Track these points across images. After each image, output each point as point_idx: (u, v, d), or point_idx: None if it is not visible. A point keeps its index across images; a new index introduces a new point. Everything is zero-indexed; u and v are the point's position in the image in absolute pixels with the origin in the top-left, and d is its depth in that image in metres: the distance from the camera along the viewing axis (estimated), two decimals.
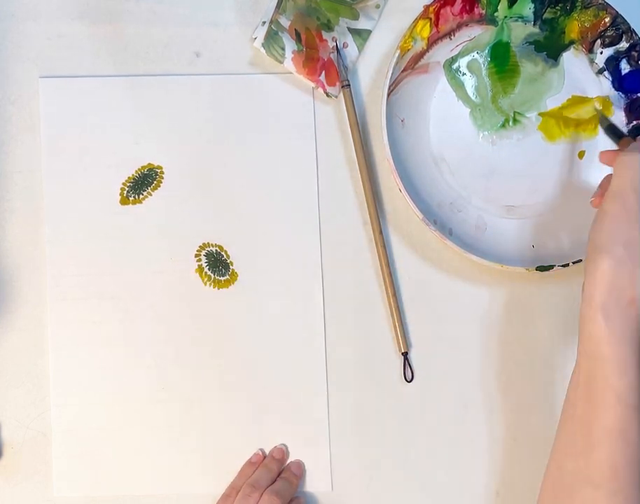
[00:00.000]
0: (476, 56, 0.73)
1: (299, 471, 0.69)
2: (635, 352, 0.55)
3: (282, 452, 0.69)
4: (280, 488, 0.66)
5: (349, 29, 0.73)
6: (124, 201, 0.71)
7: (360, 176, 0.71)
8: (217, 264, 0.71)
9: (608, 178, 0.62)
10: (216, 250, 0.71)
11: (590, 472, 0.56)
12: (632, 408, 0.55)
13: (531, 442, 0.71)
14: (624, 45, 0.71)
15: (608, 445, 0.55)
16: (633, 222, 0.56)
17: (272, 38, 0.71)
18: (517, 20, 0.72)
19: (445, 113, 0.73)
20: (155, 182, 0.71)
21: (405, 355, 0.71)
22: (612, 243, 0.56)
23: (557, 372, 0.72)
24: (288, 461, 0.70)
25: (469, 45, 0.73)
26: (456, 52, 0.73)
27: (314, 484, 0.70)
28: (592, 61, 0.73)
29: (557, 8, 0.71)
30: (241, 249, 0.71)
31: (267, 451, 0.70)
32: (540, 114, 0.73)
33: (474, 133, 0.73)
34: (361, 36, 0.73)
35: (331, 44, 0.72)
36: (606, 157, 0.65)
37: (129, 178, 0.71)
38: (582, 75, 0.73)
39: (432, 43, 0.72)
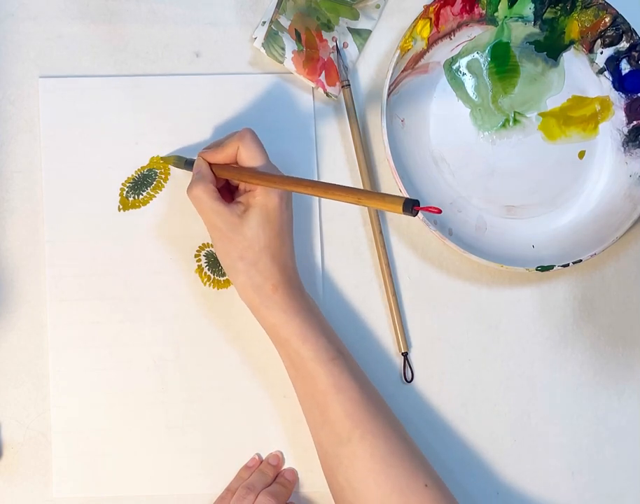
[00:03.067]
0: (476, 56, 0.73)
1: (293, 477, 0.69)
2: (305, 319, 0.64)
3: (278, 458, 0.69)
4: (275, 490, 0.66)
5: (349, 29, 0.73)
6: (124, 201, 0.71)
7: (360, 176, 0.71)
8: (217, 265, 0.71)
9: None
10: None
11: (337, 432, 0.63)
12: (329, 362, 0.63)
13: (531, 442, 0.71)
14: (624, 45, 0.71)
15: (332, 402, 0.63)
16: (230, 238, 0.63)
17: (272, 38, 0.71)
18: (517, 20, 0.72)
19: (445, 113, 0.73)
20: (155, 182, 0.71)
21: (405, 355, 0.71)
22: (232, 262, 0.64)
23: (556, 372, 0.72)
24: (284, 467, 0.70)
25: (469, 45, 0.73)
26: (457, 52, 0.73)
27: (313, 484, 0.70)
28: (592, 61, 0.72)
29: (557, 8, 0.71)
30: None
31: (263, 455, 0.70)
32: (540, 114, 0.73)
33: (474, 133, 0.73)
34: (361, 36, 0.73)
35: (331, 44, 0.72)
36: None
37: (128, 178, 0.71)
38: (582, 75, 0.73)
39: (432, 43, 0.72)
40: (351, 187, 0.55)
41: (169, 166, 0.70)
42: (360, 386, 0.64)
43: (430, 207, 0.50)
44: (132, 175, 0.71)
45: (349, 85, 0.72)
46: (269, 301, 0.64)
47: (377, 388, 0.70)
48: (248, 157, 0.63)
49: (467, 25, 0.72)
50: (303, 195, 0.71)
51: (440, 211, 0.50)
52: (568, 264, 0.68)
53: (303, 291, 0.66)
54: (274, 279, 0.64)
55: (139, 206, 0.71)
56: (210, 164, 0.65)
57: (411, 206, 0.51)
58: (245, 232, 0.63)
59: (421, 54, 0.72)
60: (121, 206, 0.71)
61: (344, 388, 0.63)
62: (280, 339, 0.64)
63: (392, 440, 0.63)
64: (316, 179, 0.72)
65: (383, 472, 0.61)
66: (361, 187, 0.71)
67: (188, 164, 0.68)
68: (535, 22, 0.72)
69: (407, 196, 0.51)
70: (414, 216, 0.52)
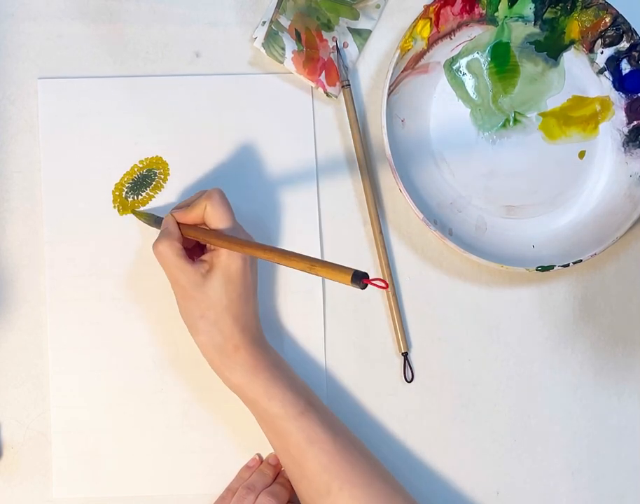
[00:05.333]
0: (476, 56, 0.73)
1: None
2: (272, 375, 0.64)
3: (278, 458, 0.69)
4: (276, 490, 0.66)
5: (349, 28, 0.73)
6: (124, 202, 0.71)
7: (361, 176, 0.71)
8: None
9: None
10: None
11: (315, 487, 0.63)
12: (296, 416, 0.63)
13: (531, 442, 0.71)
14: (624, 45, 0.71)
15: (307, 456, 0.63)
16: (192, 297, 0.63)
17: (272, 38, 0.71)
18: (517, 20, 0.72)
19: (445, 113, 0.73)
20: (154, 183, 0.71)
21: (405, 355, 0.71)
22: (194, 321, 0.64)
23: (556, 372, 0.72)
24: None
25: (469, 45, 0.73)
26: (457, 52, 0.73)
27: None
28: (592, 61, 0.72)
29: (557, 7, 0.71)
30: None
31: (263, 455, 0.70)
32: (540, 114, 0.73)
33: (474, 133, 0.73)
34: (361, 35, 0.73)
35: (331, 44, 0.72)
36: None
37: (128, 178, 0.71)
38: (582, 75, 0.73)
39: (432, 43, 0.72)
40: (305, 256, 0.55)
41: (140, 220, 0.70)
42: (333, 436, 0.63)
43: (378, 279, 0.51)
44: (131, 175, 0.71)
45: (349, 85, 0.72)
46: (231, 361, 0.63)
47: (377, 388, 0.70)
48: (215, 217, 0.63)
49: (467, 25, 0.72)
50: (303, 194, 0.71)
51: (386, 287, 0.51)
52: (568, 264, 0.68)
53: (267, 347, 0.66)
54: (236, 339, 0.63)
55: (139, 207, 0.71)
56: (179, 223, 0.65)
57: (360, 278, 0.51)
58: (208, 291, 0.63)
59: (422, 54, 0.72)
60: (120, 207, 0.71)
61: (316, 441, 0.63)
62: (246, 399, 0.65)
63: (372, 487, 0.63)
64: (315, 179, 0.72)
65: None
66: (361, 187, 0.71)
67: (157, 222, 0.68)
68: (535, 22, 0.72)
69: (356, 268, 0.52)
70: (363, 289, 0.51)
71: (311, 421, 0.63)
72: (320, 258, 0.57)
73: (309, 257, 0.55)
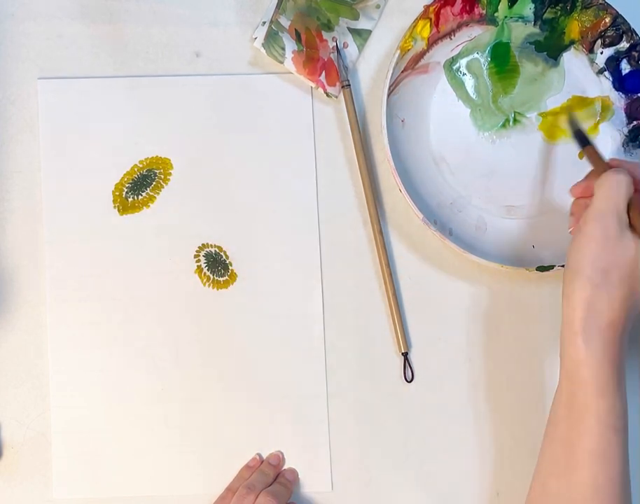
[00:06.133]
0: (476, 56, 0.73)
1: (293, 477, 0.69)
2: (614, 374, 0.57)
3: (278, 458, 0.69)
4: (276, 490, 0.66)
5: (349, 29, 0.73)
6: (124, 202, 0.71)
7: (360, 176, 0.71)
8: (216, 265, 0.71)
9: (577, 204, 0.63)
10: (215, 251, 0.71)
11: (572, 493, 0.57)
12: (612, 429, 0.56)
13: (531, 442, 0.71)
14: (624, 45, 0.71)
15: (589, 467, 0.56)
16: (612, 247, 0.57)
17: (272, 38, 0.71)
18: (517, 20, 0.72)
19: (445, 113, 0.73)
20: (154, 183, 0.71)
21: (405, 355, 0.71)
22: (590, 268, 0.57)
23: (556, 372, 0.72)
24: (284, 467, 0.70)
25: (469, 45, 0.72)
26: (457, 52, 0.73)
27: (313, 484, 0.70)
28: (592, 62, 0.72)
29: (557, 8, 0.71)
30: (241, 250, 0.71)
31: (263, 455, 0.70)
32: (540, 114, 0.73)
33: (474, 133, 0.73)
34: (361, 36, 0.73)
35: (331, 44, 0.72)
36: (578, 190, 0.64)
37: (128, 178, 0.71)
38: (582, 76, 0.73)
39: (432, 43, 0.72)
40: None
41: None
42: (621, 481, 0.57)
43: None
44: (132, 175, 0.71)
45: (349, 85, 0.72)
46: (593, 334, 0.57)
47: (377, 388, 0.70)
48: None
49: (467, 25, 0.72)
50: (303, 194, 0.71)
51: None
52: None
53: (624, 350, 0.59)
54: (614, 317, 0.57)
55: (139, 207, 0.71)
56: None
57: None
58: (625, 252, 0.57)
59: (421, 55, 0.72)
60: (120, 207, 0.71)
61: (609, 462, 0.57)
62: (573, 376, 0.58)
63: None
64: (314, 179, 0.72)
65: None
66: (361, 187, 0.71)
67: (579, 137, 0.65)
68: (535, 22, 0.72)
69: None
70: None
71: (616, 442, 0.57)
72: None
73: None
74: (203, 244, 0.71)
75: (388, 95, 0.69)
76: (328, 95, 0.72)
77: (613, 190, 0.58)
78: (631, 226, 0.58)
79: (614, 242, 0.57)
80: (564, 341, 0.58)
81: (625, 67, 0.72)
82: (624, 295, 0.57)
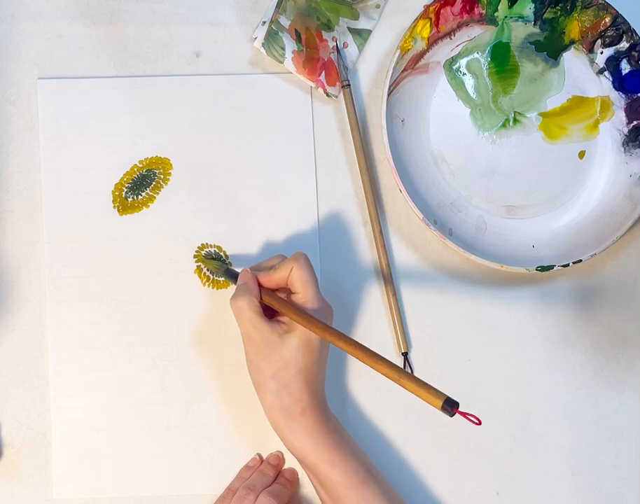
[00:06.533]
0: (476, 56, 0.73)
1: (293, 478, 0.69)
2: (331, 445, 0.63)
3: (278, 458, 0.69)
4: (276, 490, 0.66)
5: (349, 28, 0.73)
6: (123, 202, 0.71)
7: (360, 176, 0.71)
8: None
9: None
10: (215, 250, 0.71)
11: None
12: (357, 485, 0.62)
13: (531, 442, 0.71)
14: (624, 45, 0.71)
15: None
16: (266, 356, 0.62)
17: (272, 38, 0.71)
18: (517, 20, 0.72)
19: (445, 113, 0.73)
20: (153, 183, 0.71)
21: (405, 355, 0.71)
22: (264, 380, 0.63)
23: (557, 372, 0.72)
24: (284, 467, 0.70)
25: (469, 45, 0.73)
26: (457, 52, 0.73)
27: None
28: (592, 61, 0.72)
29: (557, 7, 0.71)
30: (240, 249, 0.71)
31: (263, 455, 0.70)
32: (540, 114, 0.73)
33: (474, 133, 0.73)
34: (361, 35, 0.73)
35: (331, 44, 0.72)
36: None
37: (128, 179, 0.71)
38: (582, 75, 0.73)
39: (432, 43, 0.72)
40: (393, 364, 0.56)
41: (205, 266, 0.70)
42: None
43: (472, 415, 0.51)
44: (131, 175, 0.71)
45: (349, 85, 0.72)
46: (296, 424, 0.63)
47: (377, 388, 0.70)
48: (301, 280, 0.63)
49: (467, 25, 0.72)
50: (303, 194, 0.71)
51: (479, 423, 0.51)
52: (568, 264, 0.68)
53: (329, 413, 0.66)
54: (304, 403, 0.63)
55: (138, 207, 0.71)
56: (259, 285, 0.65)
57: (451, 407, 0.52)
58: (283, 352, 0.62)
59: (421, 54, 0.72)
60: (120, 207, 0.71)
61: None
62: (306, 463, 0.64)
63: None
64: (314, 179, 0.72)
65: None
66: (361, 187, 0.71)
67: (228, 273, 0.67)
68: (535, 22, 0.72)
69: (448, 395, 0.53)
70: (451, 417, 0.52)
71: (372, 490, 0.63)
72: (409, 372, 0.57)
73: (398, 368, 0.55)
74: (203, 244, 0.71)
75: (388, 95, 0.69)
76: (328, 95, 0.72)
77: (239, 312, 0.63)
78: (277, 319, 0.64)
79: (266, 352, 0.62)
80: (283, 442, 0.64)
81: (625, 67, 0.72)
82: (300, 383, 0.62)
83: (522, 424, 0.71)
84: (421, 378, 0.54)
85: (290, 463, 0.70)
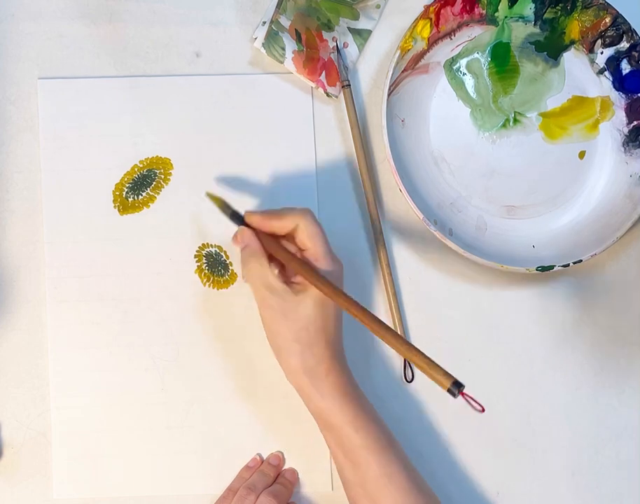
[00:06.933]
0: (476, 56, 0.73)
1: (293, 478, 0.69)
2: (356, 407, 0.62)
3: (278, 458, 0.69)
4: (276, 490, 0.66)
5: (349, 28, 0.73)
6: (124, 202, 0.71)
7: (360, 176, 0.71)
8: (216, 265, 0.71)
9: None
10: (216, 250, 0.71)
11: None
12: (379, 450, 0.61)
13: (531, 442, 0.71)
14: (624, 45, 0.71)
15: (383, 492, 0.61)
16: (285, 319, 0.61)
17: (272, 38, 0.71)
18: (517, 20, 0.72)
19: (446, 113, 0.73)
20: (154, 183, 0.71)
21: None
22: (286, 343, 0.61)
23: (557, 372, 0.72)
24: (284, 467, 0.70)
25: (469, 45, 0.73)
26: (457, 52, 0.73)
27: (314, 484, 0.70)
28: (592, 61, 0.72)
29: (557, 8, 0.71)
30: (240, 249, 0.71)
31: (264, 456, 0.70)
32: (540, 114, 0.73)
33: (474, 133, 0.73)
34: (362, 35, 0.73)
35: (331, 44, 0.72)
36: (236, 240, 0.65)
37: (128, 179, 0.71)
38: (582, 76, 0.73)
39: (432, 43, 0.72)
40: (403, 338, 0.55)
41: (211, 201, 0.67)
42: (409, 475, 0.62)
43: (474, 400, 0.51)
44: (132, 175, 0.71)
45: (349, 85, 0.72)
46: (322, 385, 0.61)
47: (377, 388, 0.70)
48: (310, 234, 0.61)
49: (467, 25, 0.72)
50: (303, 194, 0.71)
51: (483, 410, 0.51)
52: (568, 264, 0.68)
53: (352, 376, 0.64)
54: (327, 363, 0.62)
55: (139, 207, 0.71)
56: (257, 234, 0.63)
57: (457, 388, 0.52)
58: (301, 312, 0.60)
59: (422, 54, 0.72)
60: (121, 207, 0.71)
61: (395, 478, 0.61)
62: (329, 425, 0.62)
63: None
64: (314, 179, 0.72)
65: None
66: (361, 187, 0.71)
67: (233, 216, 0.65)
68: (535, 22, 0.72)
69: (456, 378, 0.53)
70: (455, 398, 0.52)
71: (393, 457, 0.62)
72: (419, 349, 0.55)
73: (407, 342, 0.55)
74: (203, 244, 0.71)
75: (389, 95, 0.69)
76: (328, 95, 0.72)
77: (254, 276, 0.62)
78: (291, 280, 0.63)
79: (282, 314, 0.61)
80: (306, 402, 0.63)
81: (625, 67, 0.72)
82: (322, 342, 0.61)
83: (522, 424, 0.71)
84: (429, 358, 0.54)
85: (291, 463, 0.70)
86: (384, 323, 0.57)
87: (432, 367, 0.54)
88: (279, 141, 0.72)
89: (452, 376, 0.53)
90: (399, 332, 0.70)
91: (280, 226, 0.62)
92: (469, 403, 0.52)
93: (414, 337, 0.71)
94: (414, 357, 0.54)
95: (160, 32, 0.72)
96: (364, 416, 0.62)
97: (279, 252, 0.62)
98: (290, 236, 0.63)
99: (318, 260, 0.62)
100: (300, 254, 0.63)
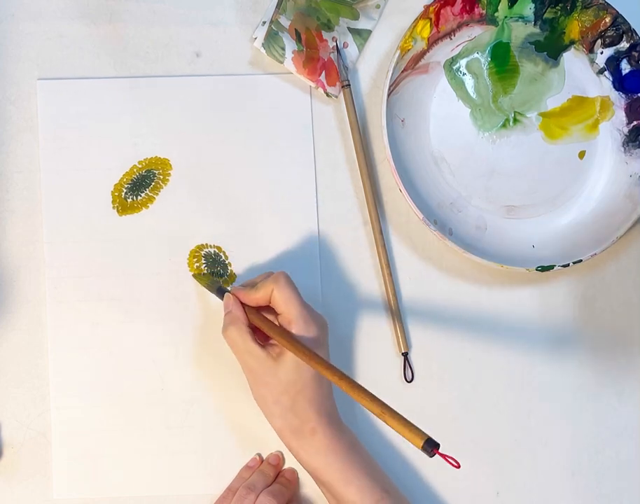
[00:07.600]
0: (476, 56, 0.73)
1: (293, 477, 0.69)
2: (345, 462, 0.62)
3: (278, 458, 0.69)
4: (276, 490, 0.66)
5: (349, 28, 0.73)
6: (123, 202, 0.71)
7: (360, 176, 0.71)
8: (215, 265, 0.71)
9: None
10: (214, 251, 0.71)
11: None
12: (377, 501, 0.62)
13: (531, 442, 0.71)
14: (624, 45, 0.71)
15: None
16: (265, 382, 0.63)
17: (272, 38, 0.71)
18: (517, 20, 0.72)
19: (446, 113, 0.73)
20: (153, 183, 0.71)
21: (405, 355, 0.71)
22: (268, 406, 0.63)
23: (556, 372, 0.72)
24: (284, 467, 0.70)
25: (469, 45, 0.72)
26: (457, 52, 0.73)
27: (314, 483, 0.70)
28: (592, 61, 0.72)
29: (557, 7, 0.71)
30: (240, 250, 0.71)
31: (263, 455, 0.70)
32: (540, 114, 0.73)
33: (474, 133, 0.73)
34: (361, 35, 0.73)
35: (331, 44, 0.72)
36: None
37: (127, 179, 0.71)
38: (582, 75, 0.73)
39: (432, 43, 0.72)
40: (377, 399, 0.55)
41: (199, 282, 0.70)
42: None
43: (451, 457, 0.51)
44: (131, 176, 0.71)
45: (349, 85, 0.72)
46: (308, 445, 0.63)
47: (377, 388, 0.70)
48: (283, 300, 0.63)
49: (467, 25, 0.72)
50: (302, 194, 0.71)
51: (459, 466, 0.51)
52: (568, 264, 0.68)
53: (343, 427, 0.65)
54: (312, 422, 0.63)
55: (138, 208, 0.71)
56: (244, 307, 0.64)
57: (431, 447, 0.52)
58: (280, 376, 0.62)
59: (422, 54, 0.72)
60: (119, 208, 0.71)
61: None
62: (322, 482, 0.64)
63: None
64: (314, 179, 0.72)
65: None
66: (361, 187, 0.71)
67: (220, 291, 0.67)
68: (535, 22, 0.72)
69: (430, 435, 0.53)
70: (431, 457, 0.52)
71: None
72: (392, 408, 0.55)
73: (381, 402, 0.55)
74: (203, 244, 0.71)
75: (388, 95, 0.69)
76: (328, 95, 0.72)
77: (233, 341, 0.63)
78: (270, 342, 0.64)
79: (263, 378, 0.63)
80: (298, 461, 0.64)
81: (625, 67, 0.72)
82: (303, 403, 0.62)
83: (522, 424, 0.71)
84: (403, 415, 0.54)
85: (290, 462, 0.70)
86: (358, 385, 0.56)
87: (407, 426, 0.53)
88: (278, 141, 0.72)
89: (426, 435, 0.52)
90: (398, 334, 0.70)
91: (258, 298, 0.64)
92: (446, 461, 0.51)
93: (414, 338, 0.71)
94: (389, 418, 0.54)
95: (160, 32, 0.72)
96: (354, 469, 0.63)
97: (255, 320, 0.64)
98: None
99: (292, 324, 0.63)
100: (277, 319, 0.64)
